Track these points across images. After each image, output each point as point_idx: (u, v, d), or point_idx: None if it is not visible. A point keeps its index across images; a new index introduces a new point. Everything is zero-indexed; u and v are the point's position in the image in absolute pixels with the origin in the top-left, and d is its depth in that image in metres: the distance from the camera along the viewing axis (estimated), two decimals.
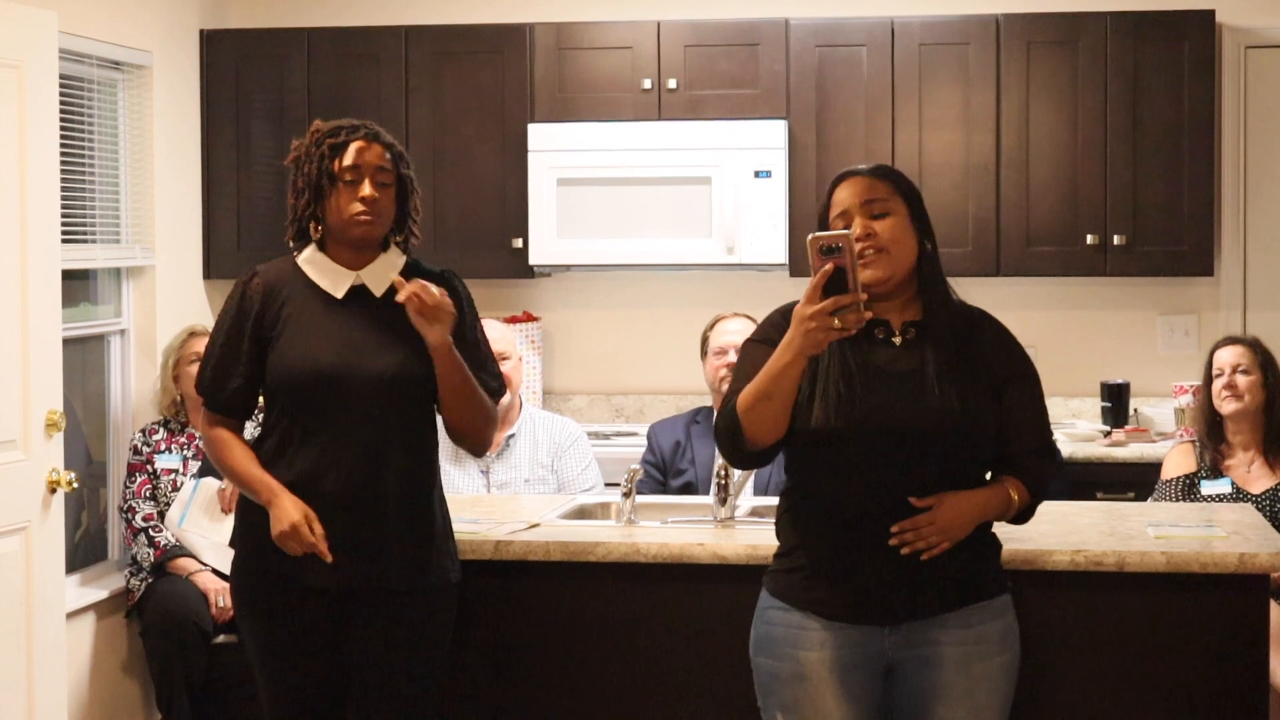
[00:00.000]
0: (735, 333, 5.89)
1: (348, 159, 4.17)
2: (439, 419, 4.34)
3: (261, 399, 4.31)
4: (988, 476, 3.86)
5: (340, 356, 4.14)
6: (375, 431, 4.15)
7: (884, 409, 3.70)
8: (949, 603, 3.76)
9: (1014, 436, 3.82)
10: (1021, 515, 3.88)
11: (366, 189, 4.17)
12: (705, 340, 6.02)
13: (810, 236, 3.59)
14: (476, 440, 4.35)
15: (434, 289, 4.08)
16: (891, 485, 3.70)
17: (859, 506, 3.72)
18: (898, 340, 3.78)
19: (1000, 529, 3.93)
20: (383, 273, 4.24)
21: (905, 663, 3.78)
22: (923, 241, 3.81)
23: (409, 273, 4.27)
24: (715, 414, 3.85)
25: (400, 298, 4.07)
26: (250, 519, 4.24)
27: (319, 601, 4.16)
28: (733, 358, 5.82)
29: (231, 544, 4.31)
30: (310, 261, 4.26)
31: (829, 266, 3.56)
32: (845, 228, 3.75)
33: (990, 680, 3.78)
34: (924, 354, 3.75)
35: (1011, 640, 3.84)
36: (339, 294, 4.23)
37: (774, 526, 3.94)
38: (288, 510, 4.08)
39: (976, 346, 3.81)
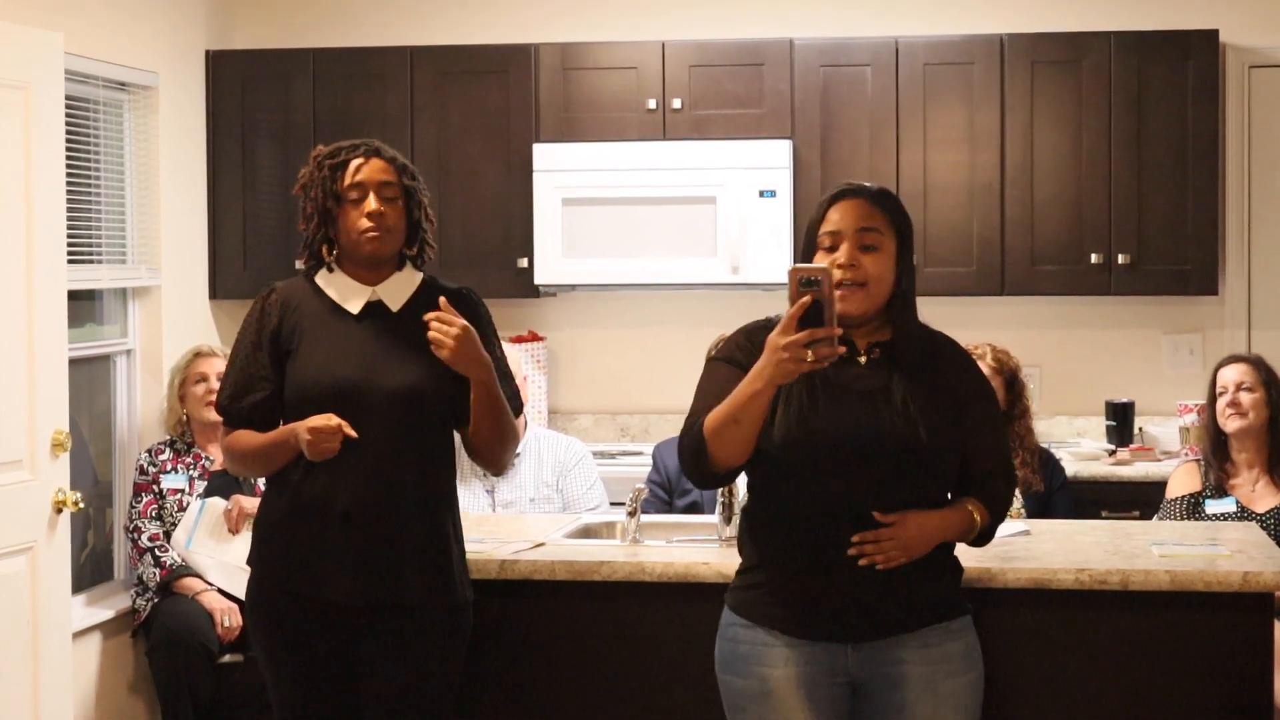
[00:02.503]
0: None
1: (349, 177, 4.18)
2: (456, 436, 4.34)
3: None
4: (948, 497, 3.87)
5: (356, 372, 4.14)
6: (391, 447, 4.15)
7: (846, 425, 3.72)
8: (908, 623, 3.77)
9: (974, 459, 3.83)
10: (981, 538, 3.89)
11: (372, 204, 4.17)
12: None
13: (790, 268, 3.59)
14: (496, 459, 4.35)
15: (450, 320, 4.08)
16: (852, 501, 3.71)
17: (820, 522, 3.73)
18: (863, 359, 3.79)
19: (1003, 548, 3.93)
20: (400, 288, 4.26)
21: (870, 681, 3.79)
22: (900, 277, 3.79)
23: (426, 290, 4.27)
24: (682, 432, 3.82)
25: (442, 354, 4.09)
26: (266, 536, 4.24)
27: (335, 617, 4.16)
28: None
29: (248, 563, 4.30)
30: (326, 279, 4.27)
31: (807, 299, 3.56)
32: (832, 248, 3.75)
33: (957, 698, 3.79)
34: (890, 374, 3.76)
35: (975, 659, 3.85)
36: (355, 309, 4.23)
37: (735, 544, 3.97)
38: (306, 425, 4.06)
39: (940, 369, 3.83)
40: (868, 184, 3.88)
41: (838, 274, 3.71)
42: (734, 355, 3.84)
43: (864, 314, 3.76)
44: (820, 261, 3.74)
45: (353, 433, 4.06)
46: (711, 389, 3.81)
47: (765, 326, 3.81)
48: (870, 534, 3.70)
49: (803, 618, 3.77)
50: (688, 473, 3.85)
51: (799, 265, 3.61)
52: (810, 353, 3.55)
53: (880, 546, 3.69)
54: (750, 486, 3.89)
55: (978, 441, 3.83)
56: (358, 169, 4.20)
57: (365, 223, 4.18)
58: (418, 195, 4.29)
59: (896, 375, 3.76)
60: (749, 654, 3.82)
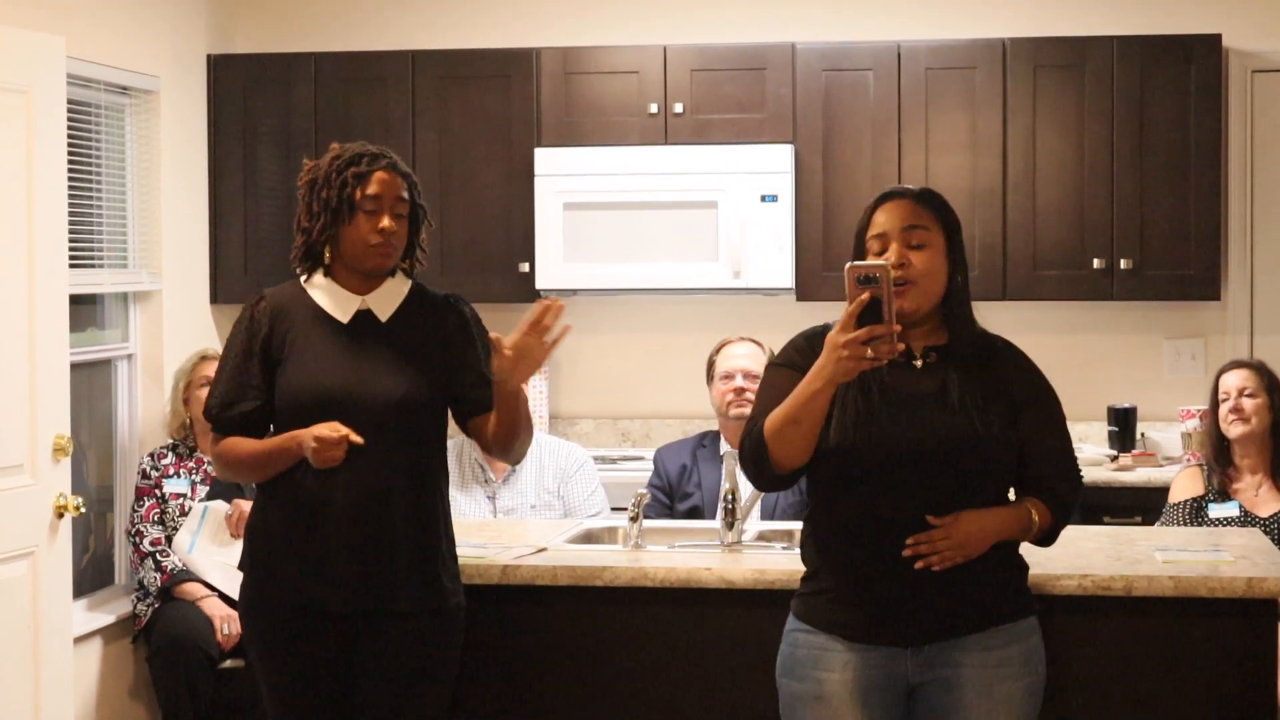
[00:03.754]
0: (741, 357, 5.88)
1: (371, 188, 4.17)
2: (461, 437, 4.33)
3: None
4: (1011, 498, 3.87)
5: (346, 380, 4.14)
6: (381, 455, 4.14)
7: (903, 428, 3.71)
8: (970, 625, 3.76)
9: (1035, 460, 3.83)
10: (1046, 538, 3.88)
11: (386, 221, 4.17)
12: (711, 364, 6.01)
13: (848, 265, 3.60)
14: (514, 451, 4.33)
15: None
16: (910, 504, 3.70)
17: (879, 526, 3.73)
18: (919, 364, 3.79)
19: None
20: (389, 298, 4.25)
21: (927, 684, 3.78)
22: (954, 274, 3.81)
23: (414, 298, 4.29)
24: (743, 436, 3.83)
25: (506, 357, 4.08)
26: (258, 542, 4.23)
27: (328, 624, 4.16)
28: (739, 382, 5.82)
29: (240, 568, 4.30)
30: (317, 286, 4.26)
31: (865, 296, 3.55)
32: (881, 251, 3.75)
33: (1012, 703, 3.78)
34: (945, 377, 3.76)
35: (1035, 664, 3.84)
36: (345, 318, 4.22)
37: (799, 550, 3.94)
38: (312, 434, 4.06)
39: (996, 371, 3.82)
40: (911, 186, 3.92)
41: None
42: (793, 359, 3.84)
43: (916, 310, 3.76)
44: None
45: (359, 439, 4.06)
46: (771, 393, 3.81)
47: (823, 331, 3.82)
48: (924, 535, 3.69)
49: (863, 622, 3.77)
50: (750, 476, 3.84)
51: (856, 263, 3.62)
52: (870, 350, 3.55)
53: (935, 547, 3.69)
54: (809, 492, 3.89)
55: (1037, 443, 3.83)
56: (380, 182, 4.19)
57: (376, 238, 4.17)
58: (423, 213, 4.31)
59: (952, 378, 3.76)
60: (806, 658, 3.82)
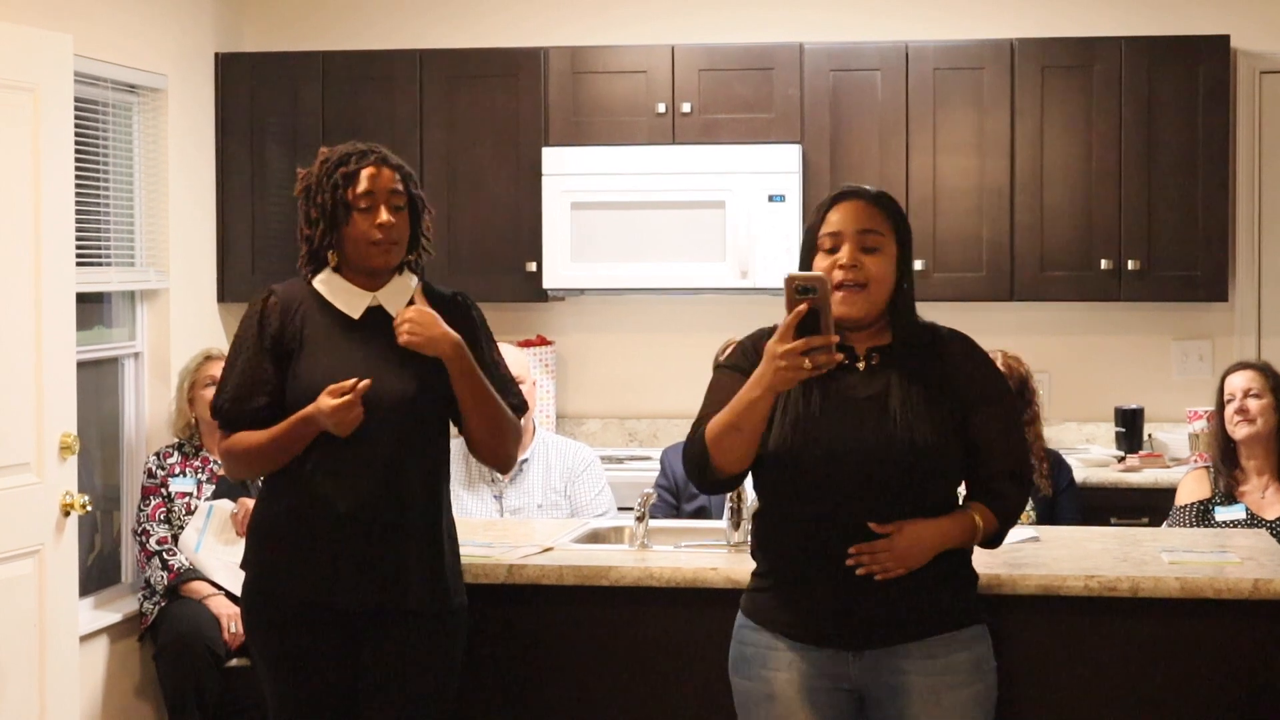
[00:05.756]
0: None
1: (361, 185, 4.15)
2: (453, 439, 4.33)
3: None
4: (962, 500, 3.85)
5: (361, 377, 4.12)
6: (394, 452, 4.14)
7: (843, 432, 3.71)
8: (910, 633, 3.74)
9: (984, 460, 3.80)
10: (990, 541, 3.85)
11: (383, 215, 4.15)
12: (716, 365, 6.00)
13: (786, 275, 3.60)
14: (500, 454, 4.33)
15: (411, 311, 4.12)
16: (850, 509, 3.70)
17: (818, 530, 3.73)
18: (861, 365, 3.78)
19: (1012, 554, 3.92)
20: (399, 293, 4.24)
21: (875, 690, 3.77)
22: (901, 280, 3.79)
23: (423, 294, 4.26)
24: (687, 440, 3.86)
25: (402, 340, 4.10)
26: (261, 541, 4.22)
27: (336, 623, 4.15)
28: None
29: (242, 567, 4.29)
30: (326, 283, 4.24)
31: (803, 307, 3.56)
32: (833, 249, 3.76)
33: (961, 710, 3.75)
34: (888, 379, 3.74)
35: (984, 671, 3.80)
36: (356, 315, 4.21)
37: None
38: (323, 404, 4.04)
39: (943, 369, 3.79)
40: (867, 187, 3.89)
41: (839, 275, 3.74)
42: (740, 363, 3.85)
43: (864, 316, 3.76)
44: (820, 263, 3.77)
45: (366, 382, 4.04)
46: (717, 396, 3.81)
47: (769, 334, 3.81)
48: (866, 546, 3.69)
49: (805, 623, 3.77)
50: (692, 479, 3.85)
51: (794, 273, 3.61)
52: (808, 360, 3.55)
53: (877, 559, 3.68)
54: (756, 490, 3.89)
55: (986, 442, 3.78)
56: (370, 178, 4.17)
57: (376, 234, 4.15)
58: (422, 203, 4.28)
59: (895, 380, 3.74)
60: (755, 656, 3.83)
